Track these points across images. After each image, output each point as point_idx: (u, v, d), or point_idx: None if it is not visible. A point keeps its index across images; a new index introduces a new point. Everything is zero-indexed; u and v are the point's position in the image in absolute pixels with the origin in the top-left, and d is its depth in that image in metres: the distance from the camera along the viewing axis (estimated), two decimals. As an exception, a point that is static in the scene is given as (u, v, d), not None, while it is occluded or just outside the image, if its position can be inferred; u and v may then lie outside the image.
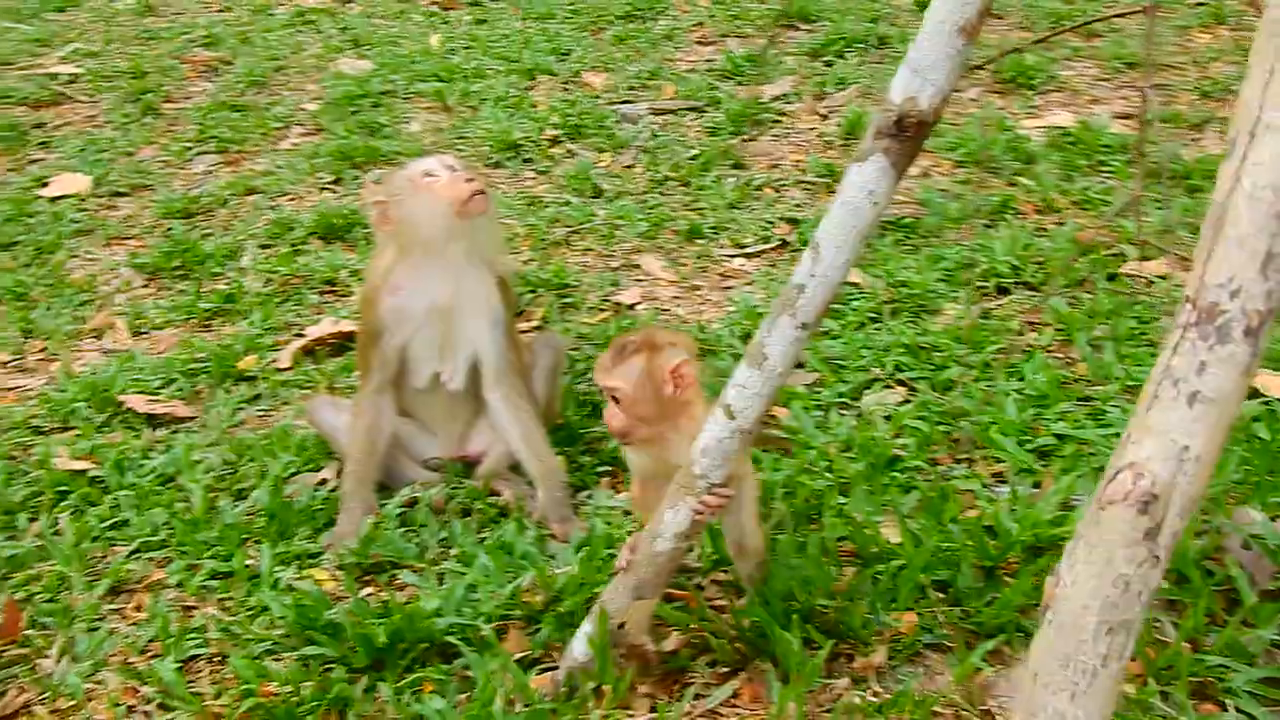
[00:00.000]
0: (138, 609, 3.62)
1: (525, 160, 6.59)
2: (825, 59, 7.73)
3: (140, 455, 4.26)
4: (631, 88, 7.52)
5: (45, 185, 6.63)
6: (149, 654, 3.42)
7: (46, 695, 3.30)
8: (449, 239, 3.88)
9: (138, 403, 4.56)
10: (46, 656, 3.43)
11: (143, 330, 5.21)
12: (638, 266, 5.48)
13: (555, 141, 6.79)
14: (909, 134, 2.63)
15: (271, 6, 9.70)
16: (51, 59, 8.78)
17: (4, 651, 3.44)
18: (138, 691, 3.29)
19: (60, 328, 5.20)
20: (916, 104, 2.62)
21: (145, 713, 3.24)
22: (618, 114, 7.08)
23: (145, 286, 5.59)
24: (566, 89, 7.58)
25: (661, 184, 6.23)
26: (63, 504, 4.05)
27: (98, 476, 4.16)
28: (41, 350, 5.11)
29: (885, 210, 2.73)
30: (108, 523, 3.95)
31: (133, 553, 3.82)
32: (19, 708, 3.27)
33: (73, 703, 3.27)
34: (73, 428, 4.50)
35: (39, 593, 3.66)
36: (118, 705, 3.24)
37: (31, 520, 3.99)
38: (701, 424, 2.95)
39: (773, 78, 7.48)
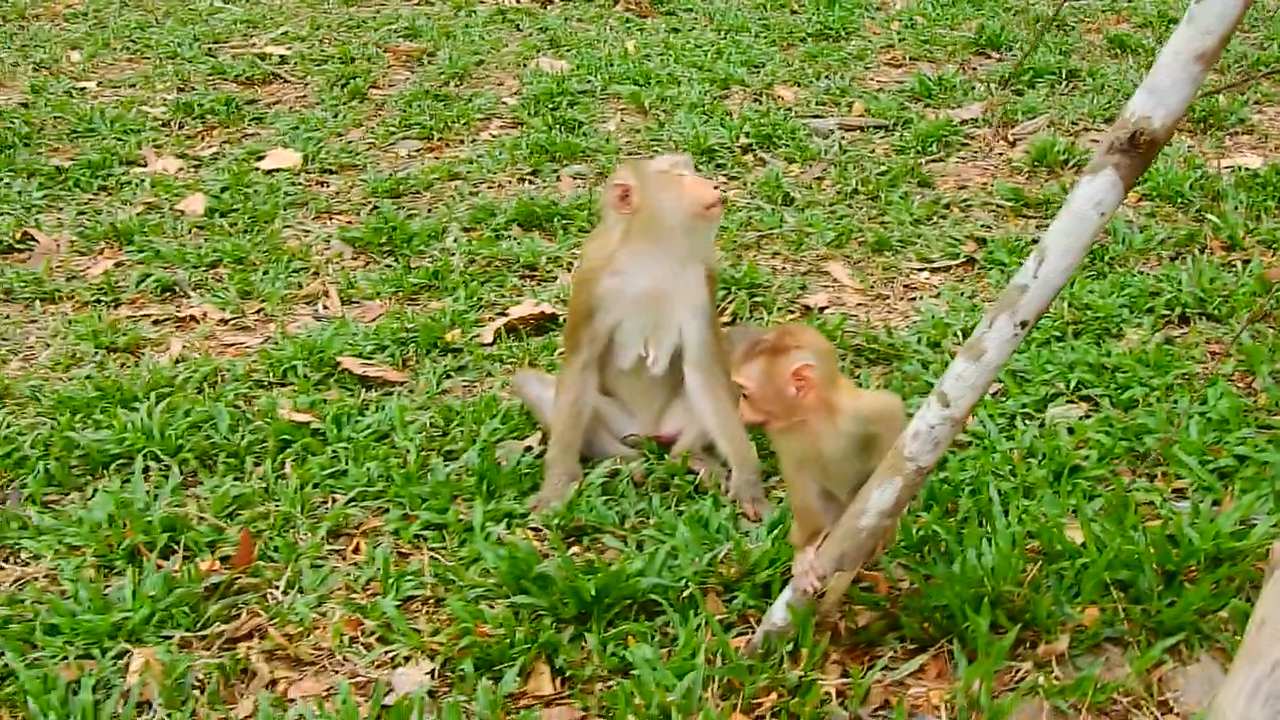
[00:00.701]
0: (356, 551, 3.87)
1: (718, 165, 6.80)
2: (1015, 88, 7.85)
3: (356, 412, 4.53)
4: (821, 103, 7.71)
5: (260, 159, 6.99)
6: (369, 592, 3.67)
7: (275, 621, 3.55)
8: (681, 234, 4.10)
9: (353, 364, 4.84)
10: (275, 587, 3.69)
11: (353, 300, 5.49)
12: (826, 273, 5.66)
13: (747, 149, 7.00)
14: (1140, 151, 2.78)
15: (473, 4, 10.03)
16: (262, 40, 9.20)
17: (237, 580, 3.71)
18: (360, 624, 3.54)
19: (276, 291, 5.51)
20: (1150, 124, 2.77)
21: (366, 644, 3.48)
22: (808, 127, 7.27)
23: (355, 259, 5.88)
24: (758, 100, 7.79)
25: (850, 197, 6.40)
26: (285, 451, 4.33)
27: (318, 429, 4.43)
28: (258, 311, 5.42)
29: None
30: (328, 471, 4.21)
31: (350, 500, 4.07)
32: (251, 630, 3.54)
33: (300, 629, 3.52)
34: (291, 383, 4.79)
35: (266, 530, 3.93)
36: (341, 635, 3.49)
37: (256, 464, 4.27)
38: (847, 415, 3.16)
39: (962, 102, 7.62)
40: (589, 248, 4.34)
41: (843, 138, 7.16)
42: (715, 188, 4.16)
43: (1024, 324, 2.91)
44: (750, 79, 8.10)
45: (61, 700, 3.17)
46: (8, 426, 4.46)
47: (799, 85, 8.01)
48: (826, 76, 8.15)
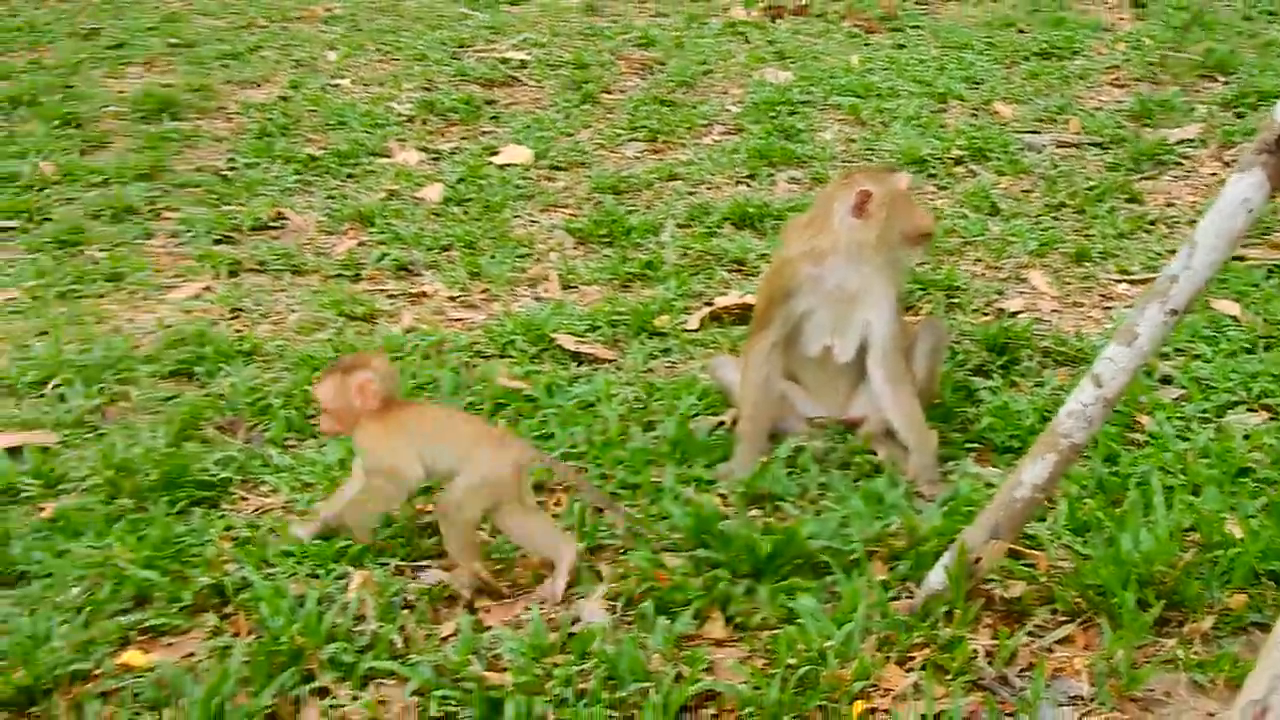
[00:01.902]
0: (557, 504, 4.23)
1: (929, 175, 7.03)
2: (1237, 110, 7.90)
3: (566, 383, 4.91)
4: (1038, 119, 7.87)
5: (495, 154, 7.45)
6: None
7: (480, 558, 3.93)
8: (892, 249, 4.40)
9: (566, 341, 5.22)
10: (481, 530, 4.06)
11: (572, 285, 5.88)
12: (1024, 280, 5.85)
13: (959, 161, 7.21)
14: (1289, 152, 2.98)
15: (705, 17, 10.39)
16: (504, 45, 9.69)
17: (448, 520, 4.10)
18: (553, 565, 3.89)
19: (502, 274, 5.93)
20: (1300, 126, 2.96)
21: (558, 584, 3.84)
22: (1022, 142, 7.44)
23: (576, 248, 6.28)
24: (975, 115, 7.98)
25: (1056, 209, 6.57)
26: (500, 413, 4.71)
27: (530, 395, 4.81)
28: (484, 291, 5.84)
29: (1257, 220, 3.07)
30: (537, 433, 4.58)
31: (554, 459, 4.43)
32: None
33: (499, 565, 3.90)
34: (509, 356, 5.18)
35: (477, 480, 4.31)
36: (536, 573, 3.84)
37: (473, 423, 4.68)
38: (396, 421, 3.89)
39: (1181, 123, 7.70)
40: (792, 234, 4.62)
41: (1055, 153, 7.32)
42: (934, 220, 4.47)
43: (1174, 312, 3.12)
44: (969, 94, 8.30)
45: (290, 609, 3.58)
46: (256, 379, 4.94)
47: (1018, 102, 8.17)
48: (1046, 94, 8.30)
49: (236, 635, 3.58)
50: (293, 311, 5.62)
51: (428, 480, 3.94)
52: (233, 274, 6.00)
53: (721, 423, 4.64)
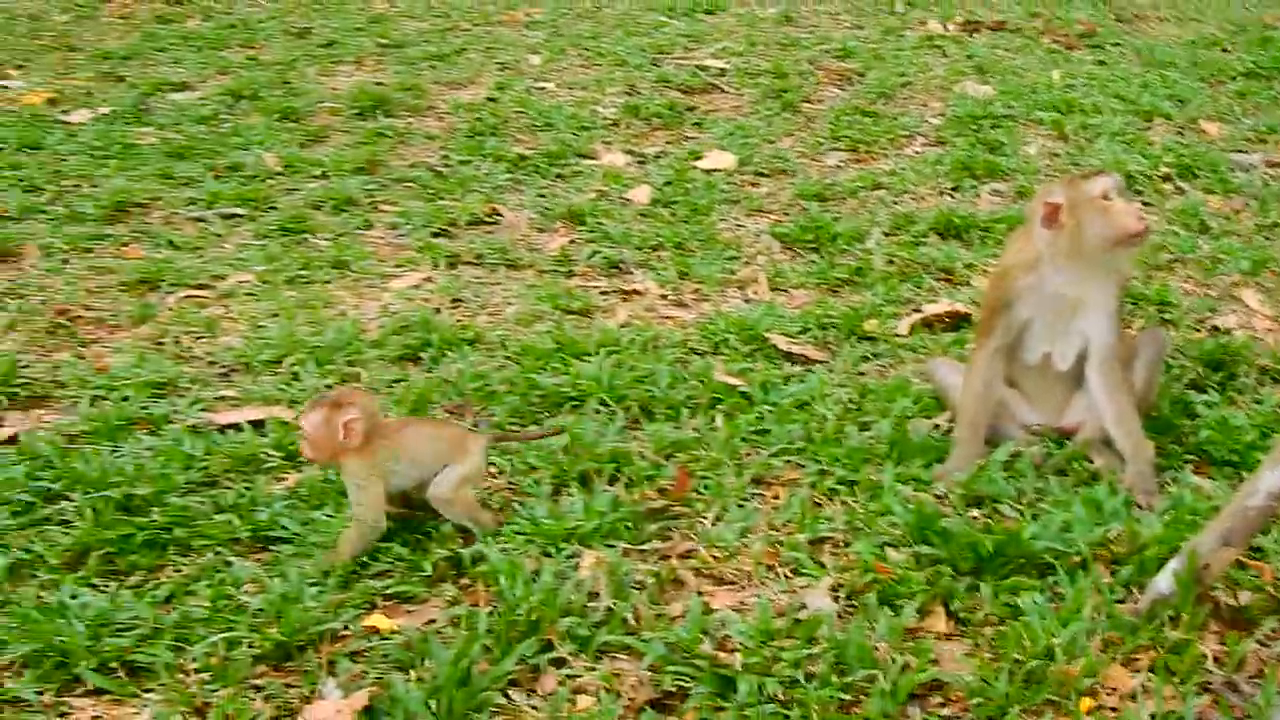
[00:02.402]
0: (775, 498, 4.33)
1: (1136, 191, 7.00)
2: None
3: (781, 381, 5.01)
4: (1247, 139, 7.81)
5: (699, 159, 7.58)
6: (785, 530, 4.13)
7: (704, 544, 4.05)
8: (1100, 255, 4.42)
9: (780, 341, 5.32)
10: (704, 518, 4.20)
11: (780, 288, 5.98)
12: (1237, 298, 5.82)
13: (1166, 179, 7.18)
14: None
15: (901, 30, 10.44)
16: (703, 53, 9.83)
17: (671, 507, 4.23)
18: (776, 555, 4.00)
19: (711, 275, 6.05)
20: None
21: (780, 573, 3.93)
22: (1231, 162, 7.37)
23: (782, 253, 6.38)
24: (1181, 133, 7.93)
25: (1269, 229, 6.53)
26: (716, 408, 4.83)
27: (746, 392, 4.92)
28: (694, 291, 5.96)
29: None
30: (753, 428, 4.70)
31: (772, 454, 4.54)
32: (684, 551, 4.05)
33: (724, 553, 4.01)
34: (722, 354, 5.29)
35: (697, 471, 4.43)
36: (760, 563, 3.95)
37: (690, 416, 4.80)
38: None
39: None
40: (1011, 245, 4.69)
41: (1266, 173, 7.25)
42: (1143, 218, 4.44)
43: None
44: (1174, 112, 8.24)
45: (526, 582, 3.74)
46: (480, 366, 5.12)
47: (1224, 121, 8.11)
48: (1254, 114, 8.21)
49: (475, 605, 3.74)
50: (510, 304, 5.80)
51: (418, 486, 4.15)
52: (451, 265, 6.20)
53: (936, 425, 4.71)
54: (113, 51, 10.02)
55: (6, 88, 9.18)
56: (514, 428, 4.73)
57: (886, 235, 6.50)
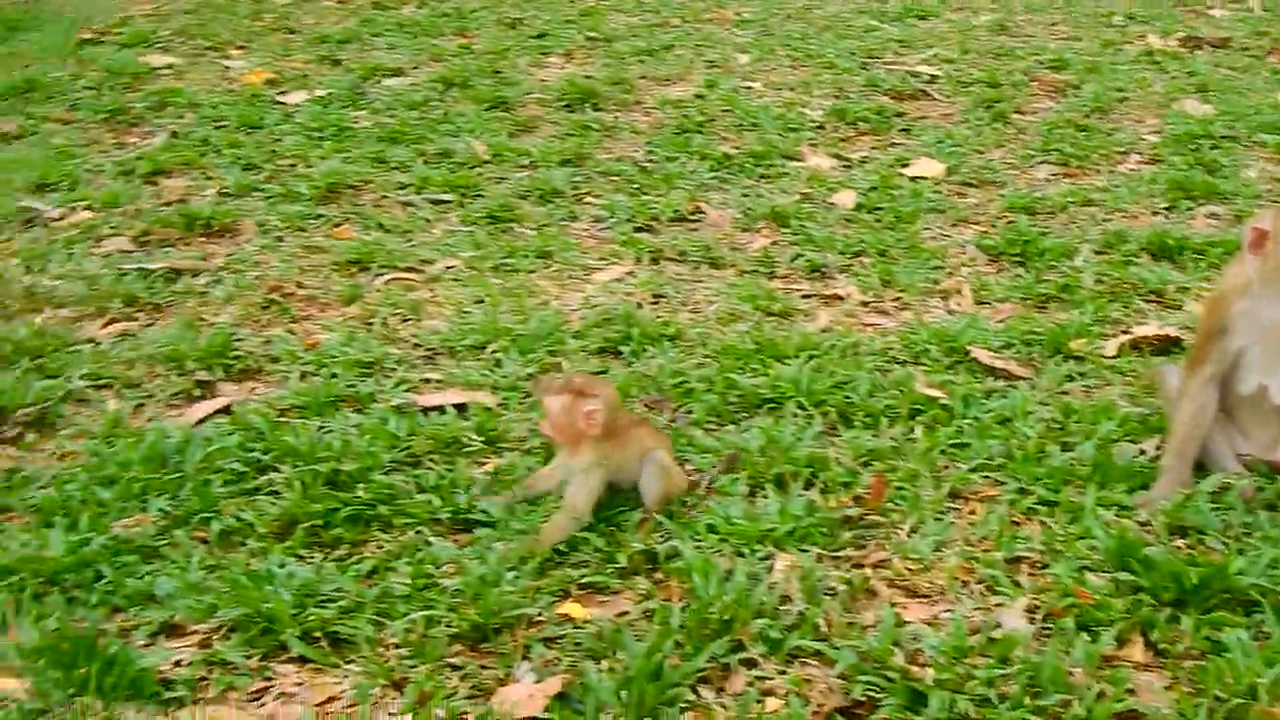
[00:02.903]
0: (972, 513, 4.28)
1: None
2: None
3: (982, 396, 4.94)
4: None
5: (906, 166, 7.51)
6: (982, 547, 4.08)
7: (898, 555, 4.02)
8: None
9: (982, 355, 5.25)
10: (899, 529, 4.17)
11: (985, 300, 5.89)
12: None
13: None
14: None
15: (1120, 44, 10.22)
16: (913, 59, 9.75)
17: (867, 516, 4.21)
18: (971, 571, 3.95)
19: (914, 283, 5.99)
20: None
21: (975, 590, 3.89)
22: None
23: (988, 265, 6.29)
24: None
25: None
26: (916, 419, 4.79)
27: (946, 404, 4.87)
28: (895, 299, 5.91)
29: None
30: (952, 441, 4.64)
31: (971, 469, 4.48)
32: (878, 561, 4.02)
33: (918, 566, 3.98)
34: (922, 364, 5.24)
35: (894, 480, 4.40)
36: (955, 579, 3.91)
37: (889, 425, 4.76)
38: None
39: None
40: (1228, 271, 4.57)
41: None
42: None
43: None
44: None
45: (719, 581, 3.75)
46: (680, 363, 5.15)
47: None
48: None
49: (667, 600, 3.77)
50: (710, 302, 5.81)
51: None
52: (654, 261, 6.24)
53: (1142, 450, 4.60)
54: (330, 35, 10.30)
55: (228, 68, 9.49)
56: (711, 425, 4.75)
57: (1096, 253, 6.36)
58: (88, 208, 6.85)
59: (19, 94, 8.74)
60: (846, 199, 6.98)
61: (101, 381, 5.09)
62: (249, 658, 3.58)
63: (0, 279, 5.94)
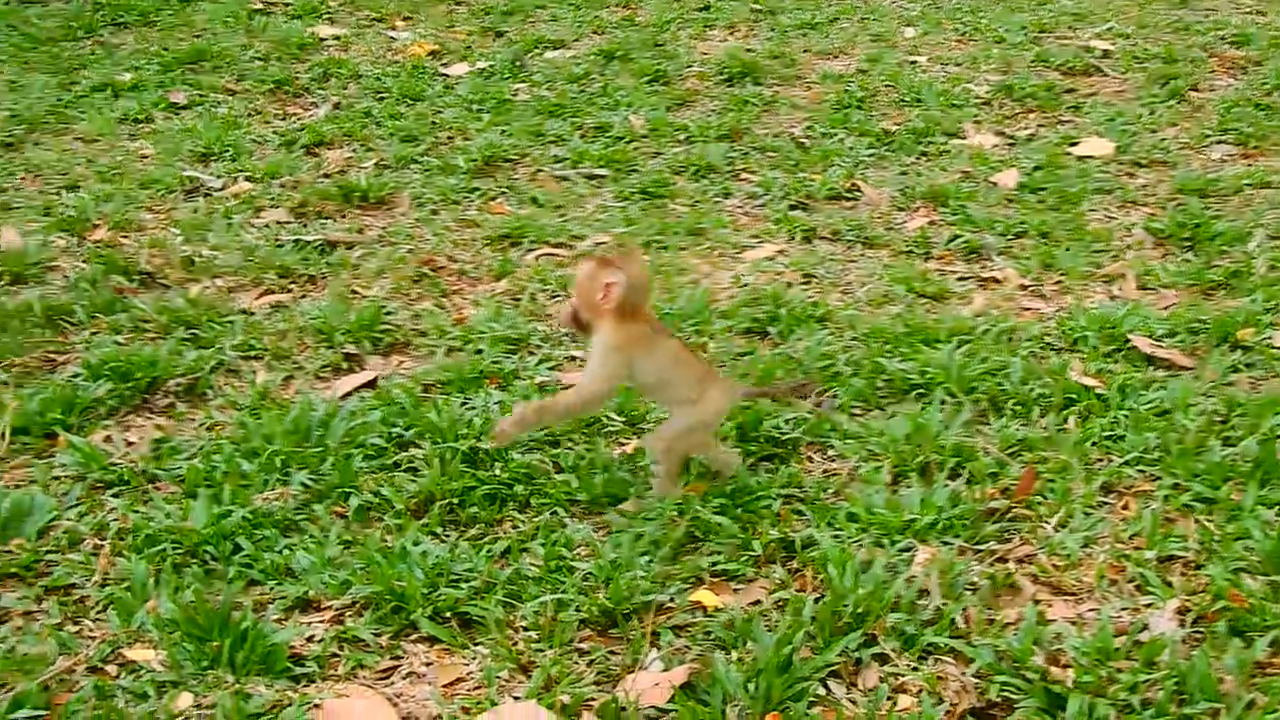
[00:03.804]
0: (1125, 509, 4.12)
1: None
2: None
3: (1141, 386, 4.76)
4: None
5: (1074, 144, 7.30)
6: (1133, 544, 3.92)
7: (1044, 550, 3.89)
8: None
9: (1142, 344, 5.06)
10: (1046, 523, 4.03)
11: (1149, 286, 5.68)
12: None
13: None
14: None
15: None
16: (1087, 34, 9.46)
17: (1013, 509, 4.08)
18: (1121, 570, 3.80)
19: (1076, 267, 5.80)
20: None
21: (1124, 590, 3.74)
22: None
23: (1154, 249, 6.06)
24: None
25: None
26: (1069, 409, 4.63)
27: (1102, 394, 4.70)
28: (1056, 283, 5.73)
29: None
30: (1107, 433, 4.48)
31: (1125, 462, 4.32)
32: (1023, 556, 3.89)
33: (1065, 562, 3.84)
34: (1079, 352, 5.07)
35: (1044, 473, 4.26)
36: (1103, 577, 3.77)
37: (1041, 415, 4.61)
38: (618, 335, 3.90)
39: None
40: None
41: None
42: None
43: None
44: None
45: (855, 573, 3.66)
46: (828, 345, 5.05)
47: None
48: None
49: (801, 590, 3.69)
50: (863, 283, 5.70)
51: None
52: (806, 240, 6.14)
53: (1308, 447, 4.39)
54: (494, 7, 10.34)
55: (394, 39, 9.57)
56: (856, 410, 4.65)
57: (1271, 238, 6.09)
58: (249, 178, 6.94)
59: (189, 64, 8.90)
60: (1009, 178, 6.80)
61: (252, 352, 5.15)
62: (379, 636, 3.58)
63: (161, 248, 6.04)
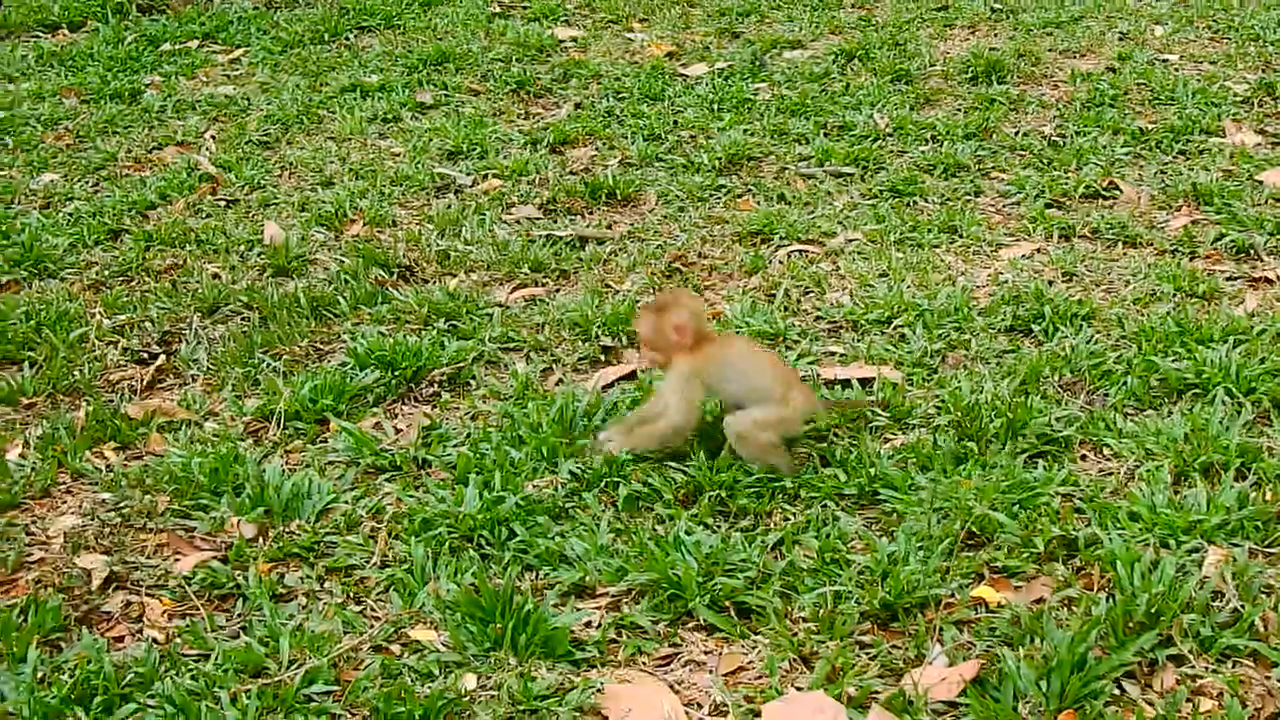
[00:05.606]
0: None
1: None
2: None
3: None
4: None
5: (1342, 142, 7.00)
6: None
7: (1343, 556, 3.72)
8: None
9: None
10: None
11: None
12: None
13: None
14: None
15: None
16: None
17: None
18: None
19: (1349, 267, 5.57)
20: None
21: None
22: None
23: None
24: None
25: None
26: (1359, 411, 4.44)
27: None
28: (1331, 283, 5.50)
29: None
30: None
31: None
32: (1318, 558, 3.74)
33: None
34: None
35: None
36: None
37: None
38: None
39: None
40: None
41: None
42: None
43: None
44: None
45: (1144, 573, 3.54)
46: (1096, 344, 4.91)
47: None
48: None
49: (1087, 589, 3.58)
50: (1127, 282, 5.53)
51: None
52: (1064, 238, 5.99)
53: None
54: (729, 8, 10.32)
55: (631, 40, 9.63)
56: (1130, 410, 4.51)
57: None
58: (496, 176, 7.04)
59: (435, 65, 9.07)
60: (1275, 176, 6.54)
61: (510, 344, 5.20)
62: (657, 623, 3.58)
63: (417, 242, 6.15)
